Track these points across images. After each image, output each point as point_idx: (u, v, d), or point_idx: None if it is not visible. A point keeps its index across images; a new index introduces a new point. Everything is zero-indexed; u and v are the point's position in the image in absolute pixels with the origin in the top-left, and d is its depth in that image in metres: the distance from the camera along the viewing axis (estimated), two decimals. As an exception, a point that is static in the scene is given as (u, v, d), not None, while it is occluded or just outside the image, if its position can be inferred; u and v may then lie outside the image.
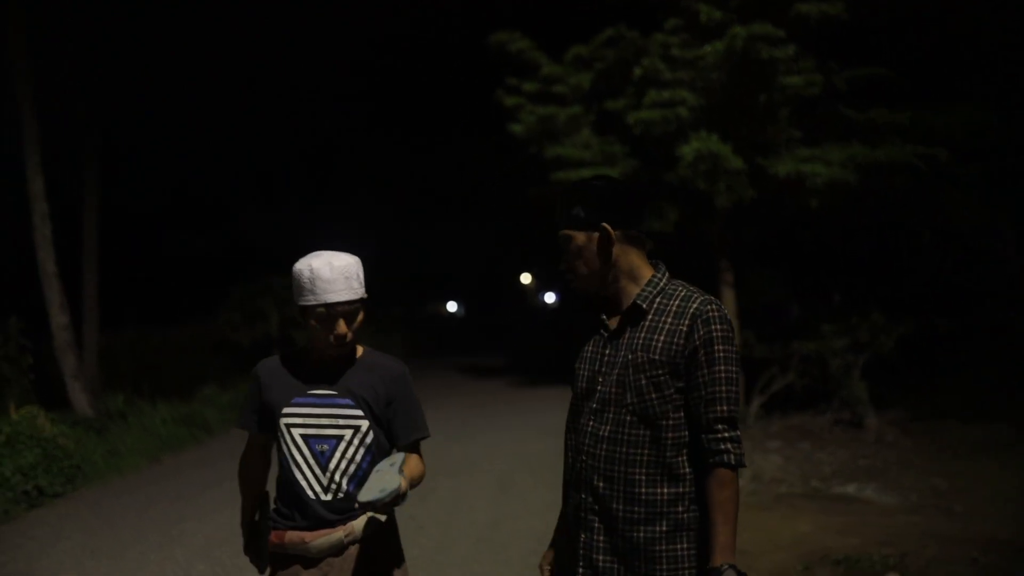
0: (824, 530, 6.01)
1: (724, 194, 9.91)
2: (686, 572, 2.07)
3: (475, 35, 12.36)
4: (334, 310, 2.39)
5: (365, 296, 2.47)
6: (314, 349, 2.51)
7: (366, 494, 2.26)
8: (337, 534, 2.40)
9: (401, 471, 2.33)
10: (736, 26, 9.34)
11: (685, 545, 2.07)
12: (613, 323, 2.17)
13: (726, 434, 2.04)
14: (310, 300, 2.39)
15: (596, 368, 2.16)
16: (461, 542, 5.87)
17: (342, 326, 2.41)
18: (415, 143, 24.73)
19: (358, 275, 2.44)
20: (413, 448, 2.57)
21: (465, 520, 6.45)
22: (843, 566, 5.17)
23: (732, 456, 2.03)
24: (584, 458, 2.14)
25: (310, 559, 2.41)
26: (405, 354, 25.38)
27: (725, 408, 2.04)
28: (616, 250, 2.13)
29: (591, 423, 2.14)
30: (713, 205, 10.41)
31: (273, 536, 2.46)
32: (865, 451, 8.84)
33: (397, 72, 24.47)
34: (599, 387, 2.14)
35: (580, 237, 2.12)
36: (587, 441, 2.14)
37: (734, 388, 2.05)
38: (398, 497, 2.28)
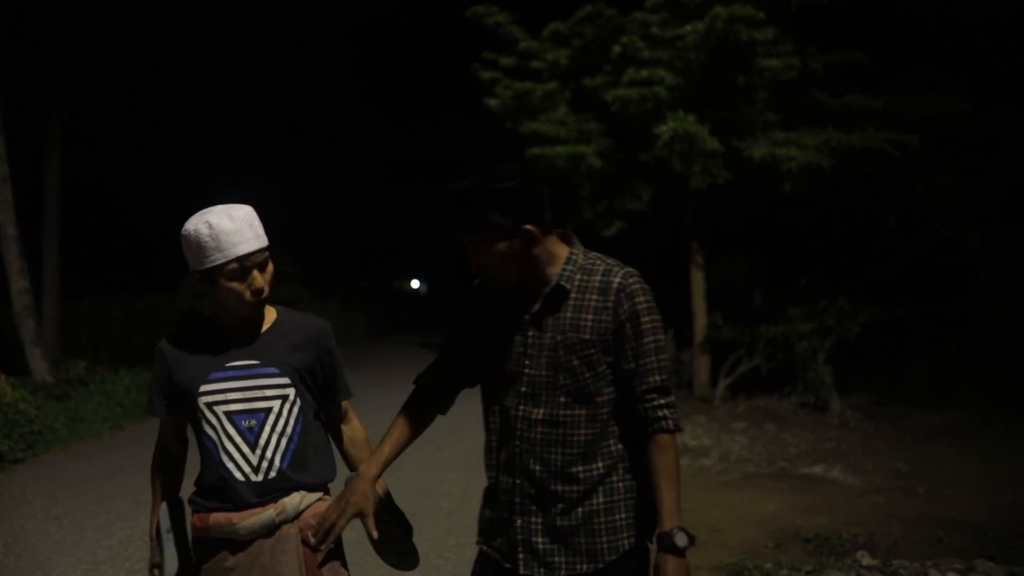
0: (792, 509, 6.10)
1: (699, 175, 9.92)
2: (625, 541, 2.10)
3: (453, 7, 12.21)
4: (247, 262, 2.15)
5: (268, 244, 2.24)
6: (225, 316, 2.27)
7: (388, 555, 2.32)
8: (268, 513, 2.20)
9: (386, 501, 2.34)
10: (717, 7, 9.32)
11: (623, 515, 2.10)
12: (533, 304, 2.10)
13: (661, 401, 2.06)
14: (218, 258, 2.13)
15: (521, 351, 2.10)
16: (433, 517, 5.85)
17: (258, 278, 2.18)
18: (388, 116, 24.52)
19: (258, 222, 2.21)
20: (339, 409, 2.43)
21: (436, 494, 6.44)
22: (813, 544, 5.24)
23: (670, 422, 2.05)
24: (518, 443, 2.10)
25: (238, 543, 2.22)
26: (369, 330, 25.32)
27: (658, 377, 2.06)
28: (538, 245, 2.06)
29: (522, 407, 2.09)
30: (687, 186, 10.44)
31: (196, 519, 2.25)
32: (829, 434, 8.97)
33: (373, 43, 24.21)
34: (527, 370, 2.08)
35: (502, 244, 2.01)
36: (519, 426, 2.09)
37: (663, 356, 2.08)
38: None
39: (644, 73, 9.92)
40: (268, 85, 23.57)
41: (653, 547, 2.11)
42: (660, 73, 9.93)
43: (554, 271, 2.08)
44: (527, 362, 2.08)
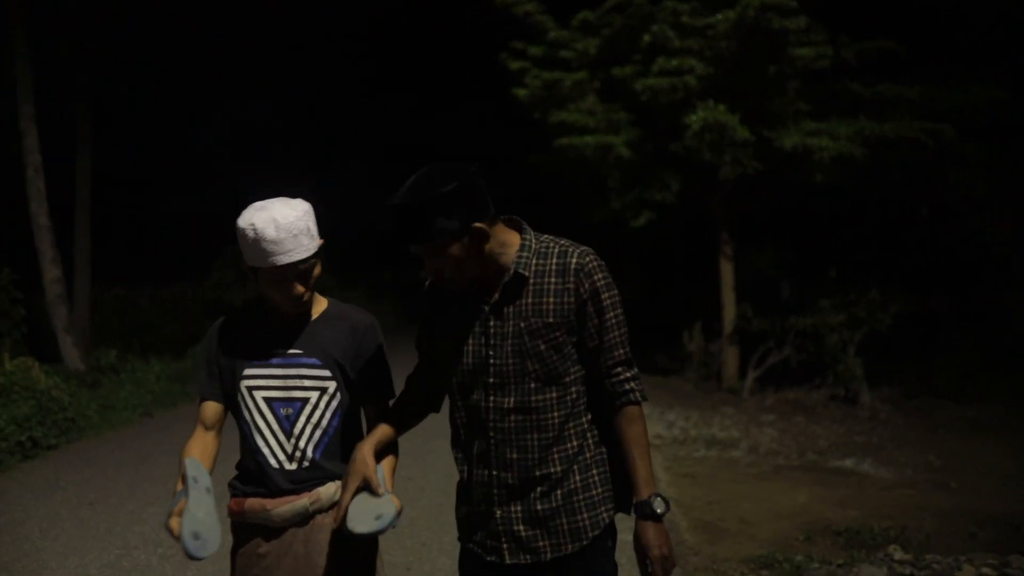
0: (823, 501, 6.06)
1: (729, 165, 9.84)
2: (604, 515, 2.15)
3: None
4: (286, 272, 2.14)
5: (321, 243, 2.21)
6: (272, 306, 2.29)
7: (359, 524, 2.07)
8: (302, 501, 2.22)
9: (387, 491, 2.15)
10: (748, -5, 9.23)
11: (599, 490, 2.14)
12: (492, 295, 2.11)
13: (627, 374, 2.11)
14: (256, 263, 2.14)
15: (483, 342, 2.10)
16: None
17: (297, 288, 2.18)
18: (414, 105, 24.49)
19: (308, 228, 2.16)
20: (376, 406, 2.35)
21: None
22: (844, 537, 5.20)
23: (637, 393, 2.11)
24: (492, 434, 2.11)
25: (272, 530, 2.23)
26: (394, 320, 25.37)
27: (622, 351, 2.11)
28: (489, 239, 2.05)
29: (492, 398, 2.10)
30: (717, 176, 10.35)
31: (232, 504, 2.28)
32: (859, 427, 8.90)
33: (400, 32, 24.17)
34: (492, 360, 2.09)
35: (454, 247, 1.99)
36: (492, 417, 2.10)
37: (624, 330, 2.12)
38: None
39: (674, 62, 9.85)
40: (293, 75, 23.65)
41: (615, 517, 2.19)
42: (690, 62, 9.85)
43: (508, 259, 2.08)
44: (491, 352, 2.09)
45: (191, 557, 2.03)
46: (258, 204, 2.18)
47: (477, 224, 1.99)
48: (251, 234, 2.10)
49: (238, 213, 2.18)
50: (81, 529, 5.48)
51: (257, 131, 23.24)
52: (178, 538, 2.04)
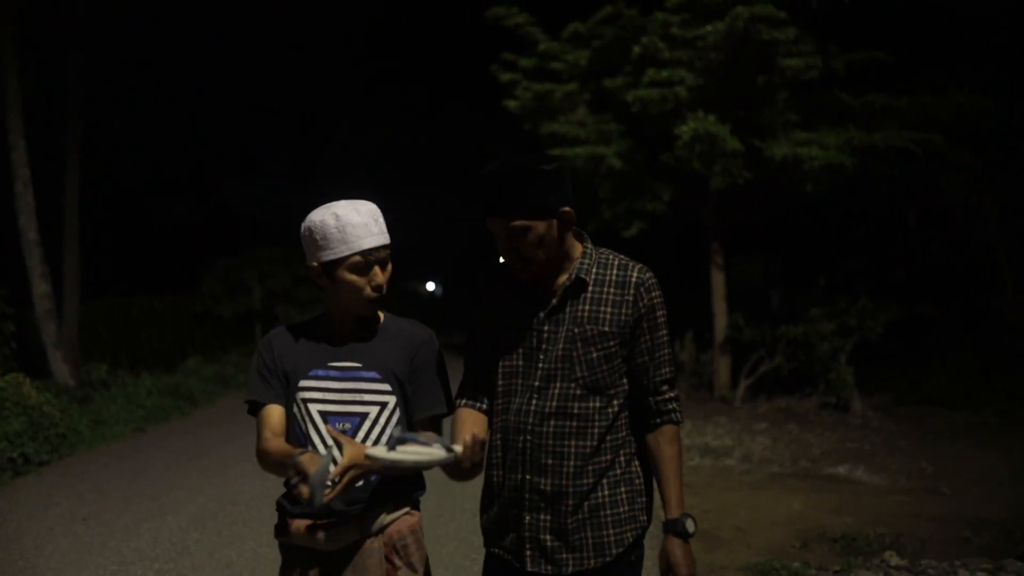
0: (818, 508, 6.08)
1: (719, 176, 9.89)
2: (629, 534, 2.14)
3: (475, 5, 12.18)
4: (371, 257, 2.12)
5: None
6: (335, 314, 2.23)
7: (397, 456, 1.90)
8: (350, 526, 2.14)
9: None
10: (738, 6, 9.27)
11: (625, 508, 2.14)
12: (549, 299, 2.13)
13: (671, 394, 2.17)
14: (342, 250, 2.09)
15: (534, 345, 2.11)
16: (458, 515, 5.88)
17: (379, 274, 2.14)
18: (406, 117, 24.56)
19: (382, 218, 2.19)
20: (432, 425, 2.24)
21: (460, 492, 6.42)
22: (840, 544, 5.22)
23: (678, 414, 2.19)
24: (529, 438, 2.10)
25: (319, 553, 2.16)
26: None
27: (668, 370, 2.17)
28: (571, 228, 2.09)
29: (534, 401, 2.10)
30: (707, 186, 10.41)
31: (278, 524, 2.21)
32: (851, 434, 8.92)
33: (384, 42, 24.24)
34: (541, 364, 2.10)
35: (541, 226, 2.02)
36: (530, 420, 2.10)
37: (671, 350, 2.19)
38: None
39: (664, 74, 9.90)
40: (277, 87, 23.69)
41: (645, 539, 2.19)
42: (680, 73, 9.91)
43: (569, 265, 2.13)
44: (541, 356, 2.10)
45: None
46: (327, 204, 2.18)
47: (567, 208, 2.04)
48: (333, 222, 2.10)
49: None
50: (76, 545, 5.45)
51: (248, 143, 23.26)
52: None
